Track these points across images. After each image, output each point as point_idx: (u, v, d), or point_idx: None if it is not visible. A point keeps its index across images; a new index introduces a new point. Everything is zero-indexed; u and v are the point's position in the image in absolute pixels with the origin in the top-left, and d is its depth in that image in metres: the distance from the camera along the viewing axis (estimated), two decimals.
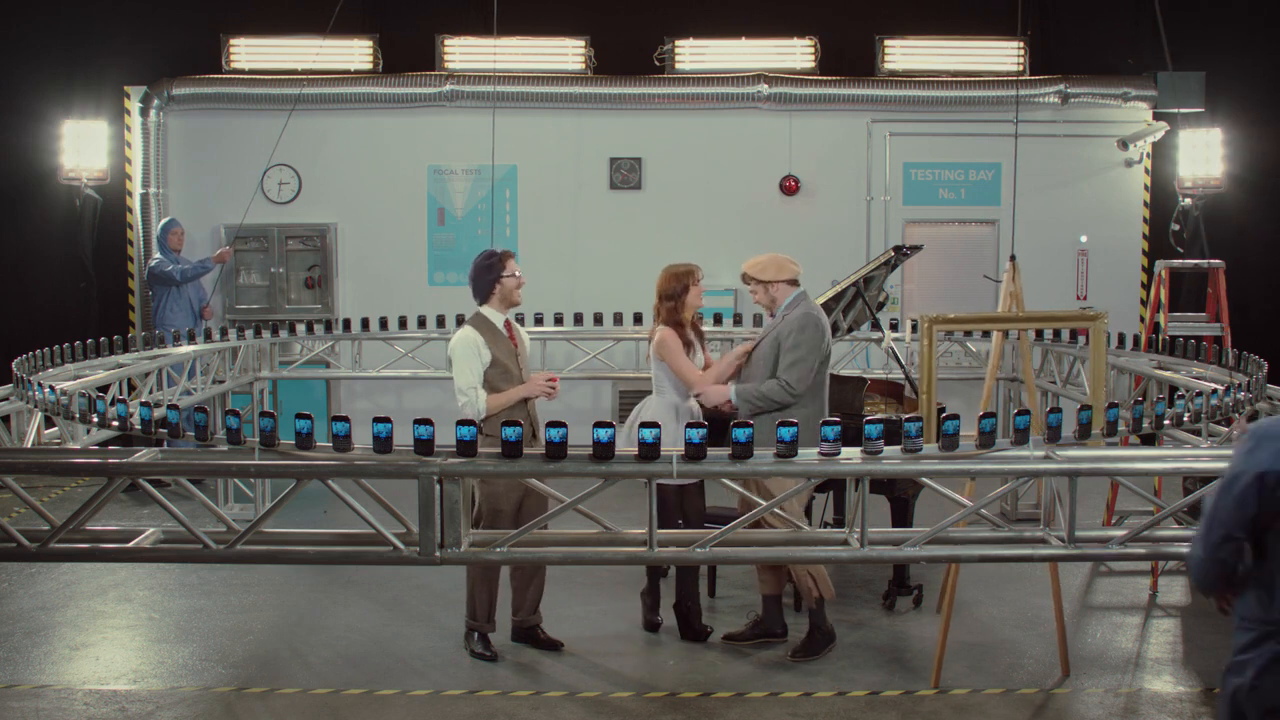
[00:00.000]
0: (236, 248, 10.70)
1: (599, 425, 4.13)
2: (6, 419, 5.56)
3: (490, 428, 5.58)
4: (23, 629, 6.39)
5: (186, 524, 4.29)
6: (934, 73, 11.11)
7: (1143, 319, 9.39)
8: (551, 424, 4.10)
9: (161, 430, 4.87)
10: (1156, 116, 10.99)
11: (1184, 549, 3.93)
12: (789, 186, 11.10)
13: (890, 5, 11.34)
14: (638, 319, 9.01)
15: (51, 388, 5.27)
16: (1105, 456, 4.31)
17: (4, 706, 5.34)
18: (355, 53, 11.13)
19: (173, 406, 4.75)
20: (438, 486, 4.16)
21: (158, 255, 10.12)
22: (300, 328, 8.98)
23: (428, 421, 4.17)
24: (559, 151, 11.13)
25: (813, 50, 11.16)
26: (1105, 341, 5.71)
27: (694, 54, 11.22)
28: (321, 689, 5.54)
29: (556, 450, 4.10)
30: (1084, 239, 11.15)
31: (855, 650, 6.00)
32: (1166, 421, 4.91)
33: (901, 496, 6.61)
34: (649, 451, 4.12)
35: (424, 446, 4.15)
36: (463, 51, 11.15)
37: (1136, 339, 7.67)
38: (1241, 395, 5.15)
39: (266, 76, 10.91)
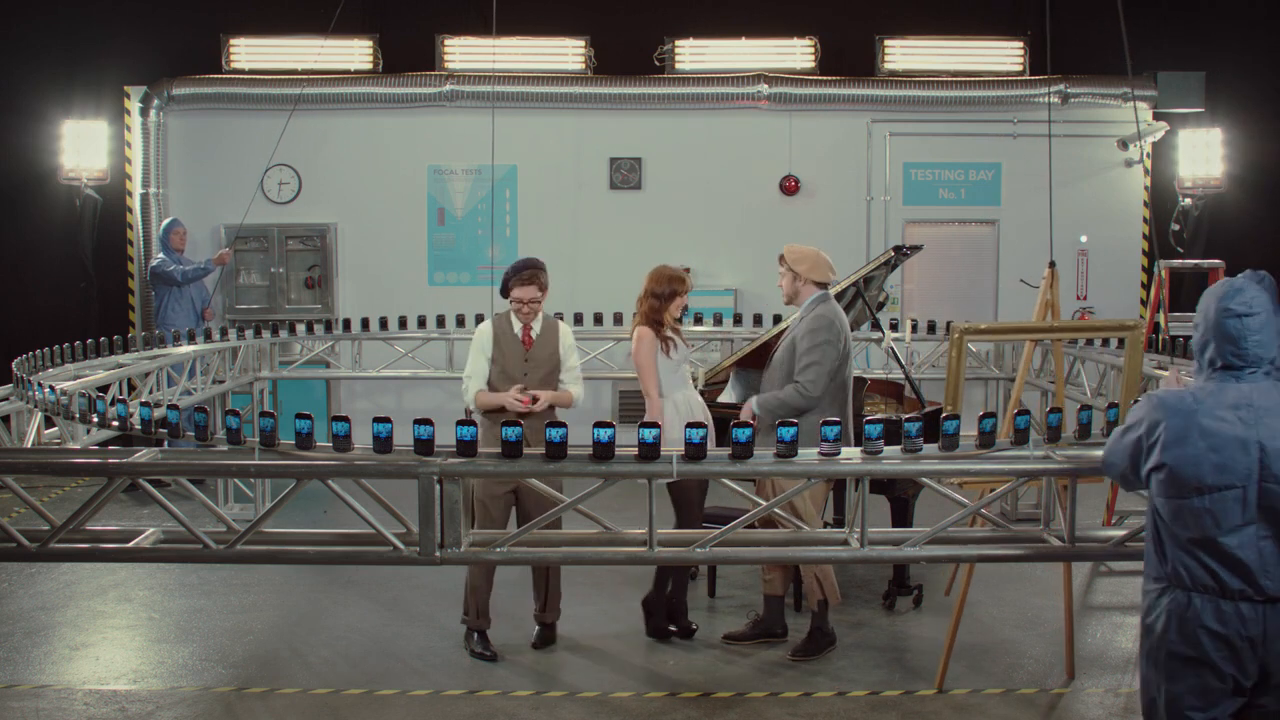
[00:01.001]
0: (237, 248, 10.70)
1: (599, 425, 4.13)
2: (6, 419, 5.56)
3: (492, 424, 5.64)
4: (23, 629, 6.39)
5: (186, 524, 4.29)
6: (934, 73, 11.12)
7: (1143, 319, 9.39)
8: (551, 424, 4.10)
9: (161, 430, 4.87)
10: (1156, 116, 10.99)
11: None
12: (789, 186, 11.10)
13: (890, 5, 11.34)
14: None
15: (51, 388, 5.27)
16: None
17: (4, 706, 5.34)
18: (355, 53, 11.14)
19: (173, 406, 4.75)
20: (438, 486, 4.17)
21: (160, 255, 10.13)
22: (300, 328, 8.98)
23: (428, 421, 4.17)
24: (559, 151, 11.13)
25: (813, 50, 11.17)
26: (1141, 351, 5.55)
27: (694, 54, 11.22)
28: (321, 689, 5.54)
29: (556, 450, 4.10)
30: (1084, 239, 11.15)
31: (855, 650, 6.00)
32: None
33: (901, 496, 6.61)
34: (649, 451, 4.12)
35: (424, 446, 4.15)
36: (463, 51, 11.16)
37: None
38: None
39: (266, 76, 10.91)
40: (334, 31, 9.49)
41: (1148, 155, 11.13)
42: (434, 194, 11.21)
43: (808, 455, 4.24)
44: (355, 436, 4.26)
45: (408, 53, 11.14)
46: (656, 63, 11.18)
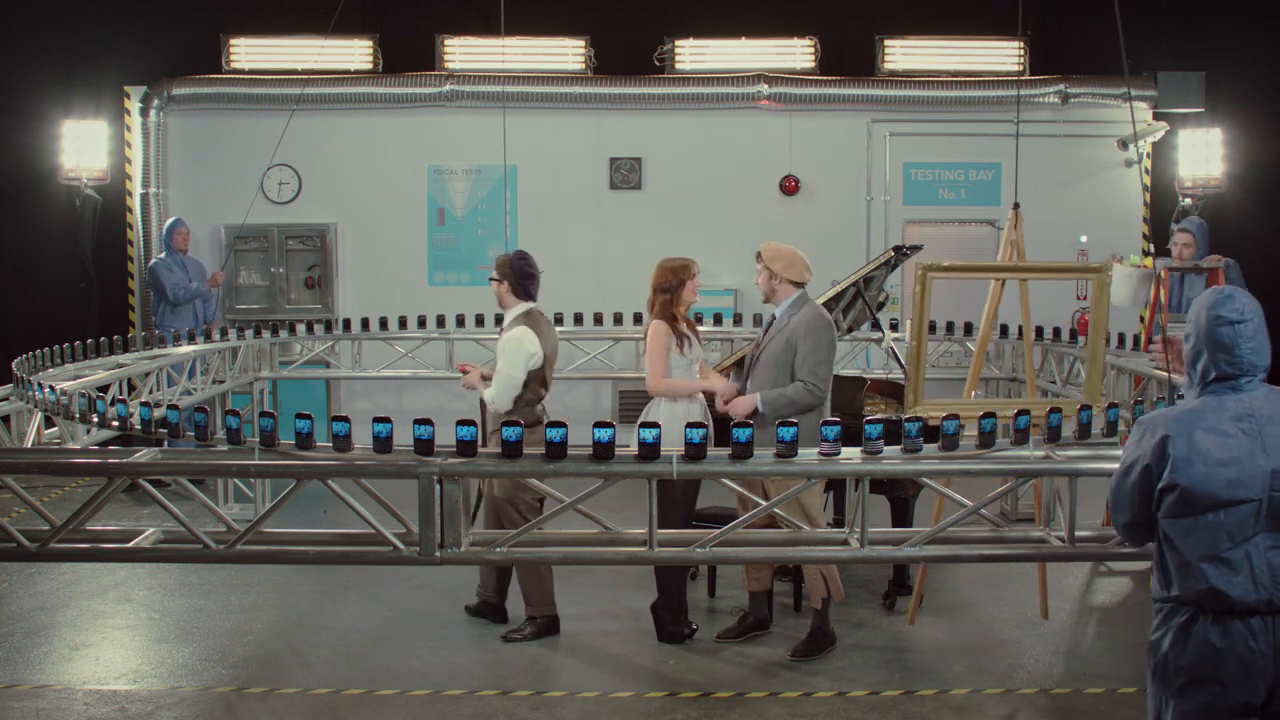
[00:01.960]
0: (236, 248, 10.71)
1: (599, 425, 4.13)
2: (6, 419, 5.56)
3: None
4: (23, 629, 6.39)
5: (186, 524, 4.30)
6: (934, 73, 11.12)
7: (1142, 319, 9.38)
8: (551, 424, 4.10)
9: (161, 430, 4.88)
10: (1156, 116, 10.99)
11: None
12: (789, 186, 11.10)
13: (890, 5, 11.34)
14: (637, 319, 9.00)
15: (51, 388, 5.27)
16: (1105, 456, 4.30)
17: (4, 706, 5.34)
18: (355, 53, 11.13)
19: (173, 406, 4.75)
20: (438, 486, 4.17)
21: (161, 255, 10.13)
22: (300, 328, 8.99)
23: (428, 421, 4.17)
24: (559, 151, 11.13)
25: (813, 50, 11.17)
26: (1108, 296, 5.72)
27: (694, 54, 11.22)
28: (321, 689, 5.54)
29: (556, 450, 4.10)
30: (1084, 239, 11.14)
31: (855, 650, 6.00)
32: None
33: (901, 496, 6.61)
34: (649, 451, 4.13)
35: (424, 446, 4.15)
36: (463, 51, 11.15)
37: (1136, 339, 7.68)
38: None
39: (266, 76, 10.91)
40: (334, 31, 9.48)
41: (1147, 155, 11.13)
42: (434, 194, 11.21)
43: (808, 455, 4.24)
44: (355, 436, 4.26)
45: (408, 53, 11.13)
46: (656, 63, 11.18)
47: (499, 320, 6.55)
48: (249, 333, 8.59)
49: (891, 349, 7.11)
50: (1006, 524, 4.59)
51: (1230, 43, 11.16)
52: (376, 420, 4.20)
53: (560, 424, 4.12)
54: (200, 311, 10.06)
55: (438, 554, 4.21)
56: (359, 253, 11.18)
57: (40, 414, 5.55)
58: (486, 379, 6.11)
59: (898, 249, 7.12)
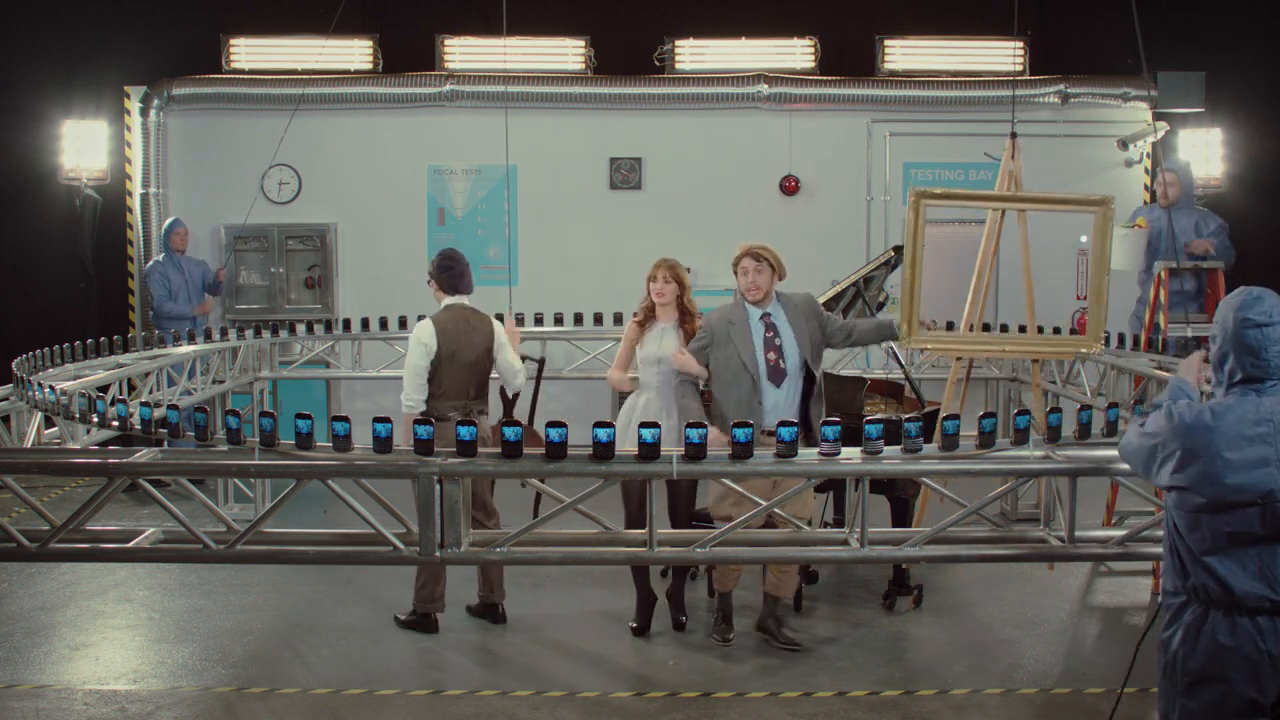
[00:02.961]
0: (236, 248, 10.70)
1: (599, 425, 4.13)
2: (6, 419, 5.56)
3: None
4: (23, 629, 6.39)
5: (186, 524, 4.30)
6: (934, 73, 11.11)
7: (1141, 319, 9.38)
8: (551, 424, 4.10)
9: (161, 430, 4.88)
10: (1156, 116, 10.98)
11: None
12: (789, 186, 11.10)
13: (890, 5, 11.33)
14: None
15: (51, 388, 5.27)
16: (1105, 456, 4.31)
17: (4, 706, 5.34)
18: (355, 53, 11.13)
19: (173, 406, 4.76)
20: (438, 486, 4.17)
21: (160, 256, 10.13)
22: (300, 328, 8.98)
23: (427, 421, 4.17)
24: (559, 151, 11.12)
25: (813, 50, 11.16)
26: (1111, 229, 5.71)
27: (694, 54, 11.21)
28: (321, 689, 5.54)
29: (556, 450, 4.10)
30: (1084, 239, 11.13)
31: (855, 650, 6.00)
32: None
33: (901, 496, 6.60)
34: (649, 451, 4.13)
35: (424, 446, 4.16)
36: (463, 51, 11.15)
37: (1136, 339, 7.68)
38: None
39: (266, 76, 10.91)
40: (334, 31, 9.48)
41: (1148, 155, 11.13)
42: (434, 194, 11.21)
43: (808, 455, 4.24)
44: (355, 436, 4.26)
45: (408, 53, 11.13)
46: (656, 63, 11.18)
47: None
48: (249, 333, 8.59)
49: (891, 349, 7.10)
50: (1006, 524, 4.59)
51: (1230, 43, 11.15)
52: (376, 420, 4.20)
53: (560, 424, 4.12)
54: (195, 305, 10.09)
55: (438, 554, 4.21)
56: (359, 253, 11.17)
57: (40, 414, 5.55)
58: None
59: (898, 249, 7.11)
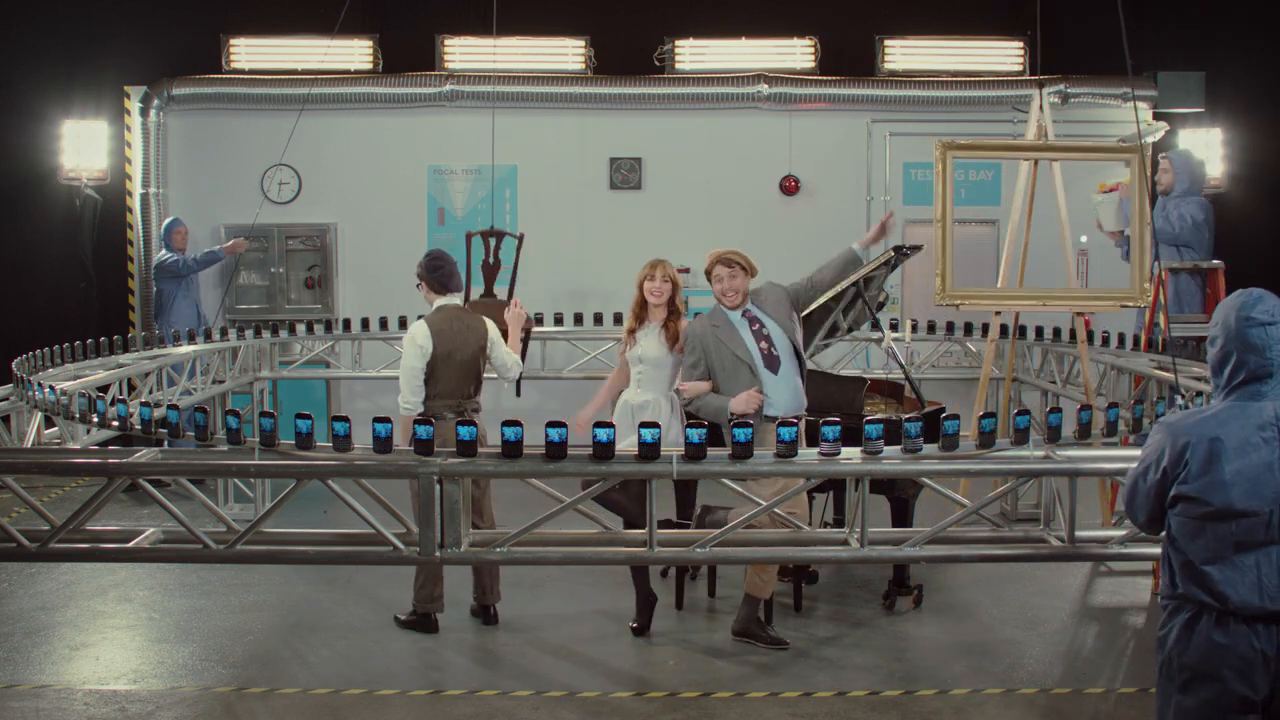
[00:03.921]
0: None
1: (599, 425, 4.14)
2: (6, 419, 5.57)
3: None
4: (23, 629, 6.39)
5: (186, 524, 4.30)
6: (934, 73, 11.11)
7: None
8: (552, 424, 4.10)
9: (161, 430, 4.88)
10: (1156, 116, 10.98)
11: None
12: (789, 186, 11.10)
13: (890, 5, 11.33)
14: None
15: (51, 388, 5.27)
16: (1105, 456, 4.31)
17: (4, 706, 5.34)
18: (355, 53, 11.13)
19: (173, 406, 4.76)
20: (438, 486, 4.17)
21: (163, 252, 10.13)
22: (300, 328, 8.99)
23: (427, 421, 4.17)
24: (559, 151, 11.12)
25: (813, 50, 11.16)
26: (1145, 176, 5.62)
27: (694, 54, 11.21)
28: (321, 689, 5.54)
29: (556, 450, 4.10)
30: (1084, 239, 11.13)
31: (855, 650, 6.00)
32: None
33: (901, 496, 6.60)
34: (649, 451, 4.13)
35: (424, 446, 4.16)
36: (463, 51, 11.15)
37: (1136, 339, 7.68)
38: None
39: (266, 77, 10.91)
40: (334, 32, 9.48)
41: (1147, 155, 11.12)
42: (434, 194, 11.21)
43: (808, 455, 4.24)
44: (355, 436, 4.26)
45: (408, 53, 11.13)
46: (656, 63, 11.18)
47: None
48: (249, 333, 8.59)
49: (891, 349, 7.09)
50: (1006, 524, 4.59)
51: (1230, 43, 11.15)
52: (376, 420, 4.20)
53: (560, 424, 4.12)
54: (199, 303, 10.08)
55: (438, 554, 4.21)
56: (359, 253, 11.17)
57: (40, 414, 5.55)
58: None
59: (898, 249, 7.10)
